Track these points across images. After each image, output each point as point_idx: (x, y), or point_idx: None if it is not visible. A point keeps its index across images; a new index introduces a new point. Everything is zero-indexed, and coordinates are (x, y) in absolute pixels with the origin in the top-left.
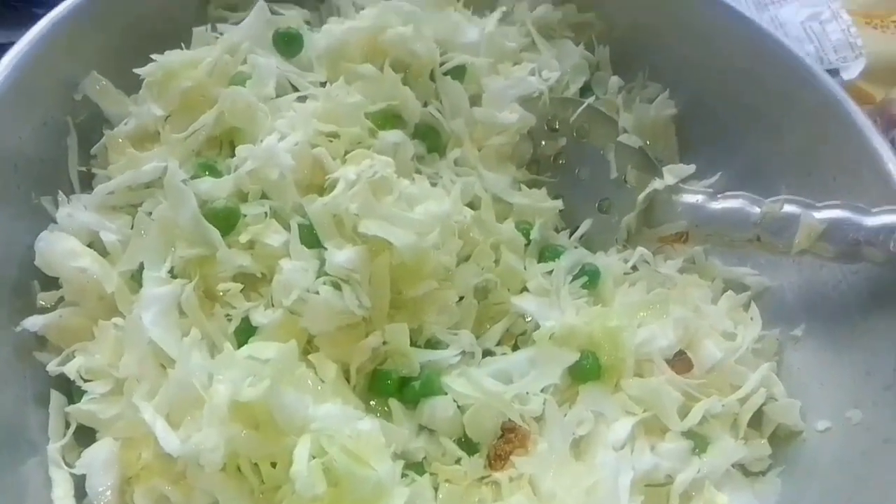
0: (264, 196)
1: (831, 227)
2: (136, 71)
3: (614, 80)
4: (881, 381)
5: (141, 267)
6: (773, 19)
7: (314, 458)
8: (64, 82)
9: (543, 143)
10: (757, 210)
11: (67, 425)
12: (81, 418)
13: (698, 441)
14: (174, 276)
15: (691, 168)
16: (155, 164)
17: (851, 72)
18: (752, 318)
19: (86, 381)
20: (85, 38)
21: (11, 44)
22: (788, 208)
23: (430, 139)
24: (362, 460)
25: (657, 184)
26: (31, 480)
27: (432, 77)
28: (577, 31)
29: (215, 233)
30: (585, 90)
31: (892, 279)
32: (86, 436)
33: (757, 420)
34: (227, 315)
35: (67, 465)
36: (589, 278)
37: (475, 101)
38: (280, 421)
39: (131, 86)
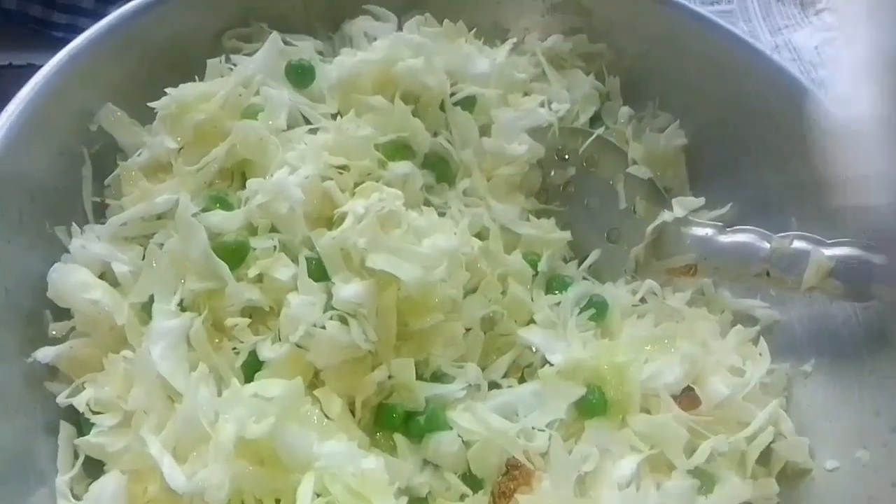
0: (273, 229)
1: (840, 265)
2: (151, 105)
3: (624, 111)
4: (889, 422)
5: (151, 299)
6: (787, 43)
7: (318, 496)
8: (80, 113)
9: (553, 172)
10: (766, 245)
11: (76, 457)
12: (90, 450)
13: (705, 479)
14: (184, 309)
15: (700, 201)
16: (167, 197)
17: None
18: (760, 354)
19: (95, 413)
20: (101, 70)
21: (31, 66)
22: (798, 244)
23: (440, 169)
24: (365, 499)
25: (666, 216)
26: None
27: (442, 108)
28: (588, 61)
29: (224, 267)
30: (595, 120)
31: None
32: (94, 467)
33: (765, 457)
34: (235, 348)
35: (75, 497)
36: (597, 310)
37: (485, 131)
38: (284, 458)
39: (146, 116)
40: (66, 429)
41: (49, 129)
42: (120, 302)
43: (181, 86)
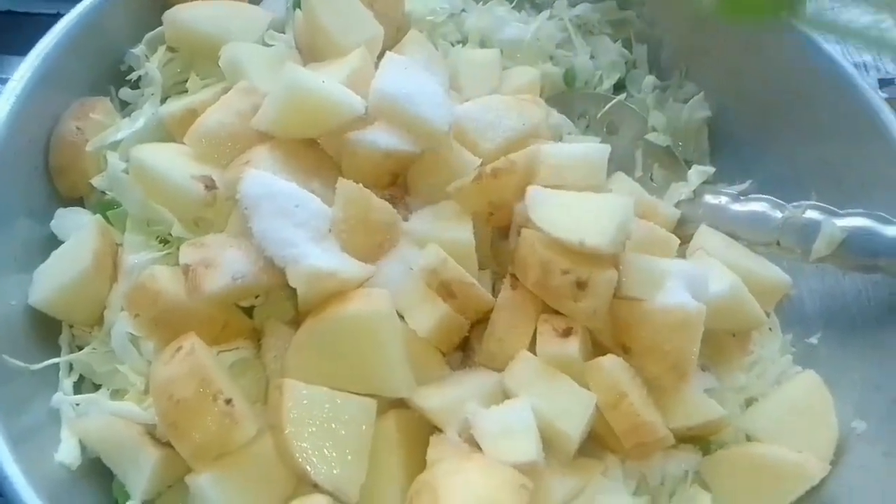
0: None
1: (851, 236)
2: None
3: (649, 79)
4: (890, 395)
5: None
6: None
7: None
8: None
9: None
10: (779, 214)
11: None
12: None
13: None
14: None
15: (710, 169)
16: None
17: None
18: (770, 329)
19: None
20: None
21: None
22: (810, 214)
23: None
24: None
25: (683, 189)
26: None
27: None
28: (616, 28)
29: None
30: (620, 88)
31: None
32: None
33: None
34: None
35: None
36: None
37: None
38: None
39: None
40: None
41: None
42: None
43: None
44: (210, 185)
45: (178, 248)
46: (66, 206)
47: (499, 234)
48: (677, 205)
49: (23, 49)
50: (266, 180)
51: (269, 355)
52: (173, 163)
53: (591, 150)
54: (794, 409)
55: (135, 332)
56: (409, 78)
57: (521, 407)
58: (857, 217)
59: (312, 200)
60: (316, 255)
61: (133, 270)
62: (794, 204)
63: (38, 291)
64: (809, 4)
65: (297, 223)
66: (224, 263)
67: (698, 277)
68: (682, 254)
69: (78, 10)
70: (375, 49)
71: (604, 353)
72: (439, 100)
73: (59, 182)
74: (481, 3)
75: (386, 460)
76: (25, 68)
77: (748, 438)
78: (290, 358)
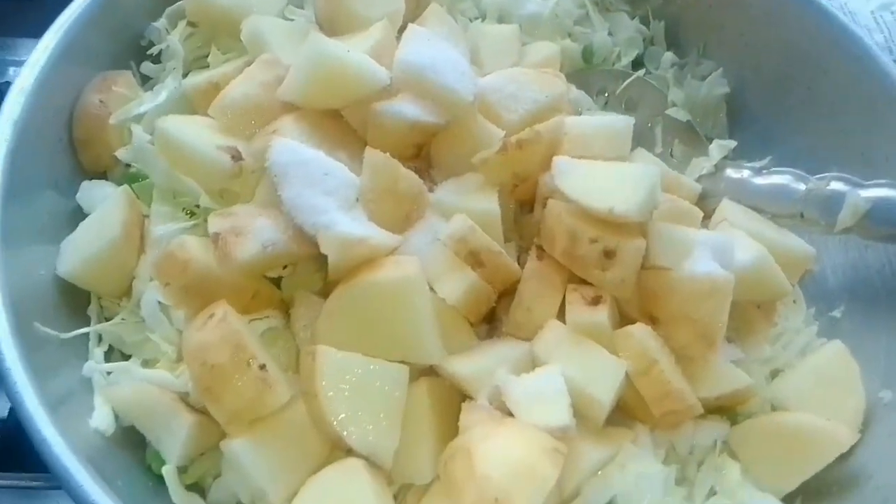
0: None
1: (876, 207)
2: None
3: (667, 56)
4: None
5: None
6: (843, 7)
7: None
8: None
9: None
10: (802, 186)
11: None
12: None
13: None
14: None
15: (732, 143)
16: None
17: None
18: (794, 301)
19: None
20: None
21: None
22: (835, 185)
23: None
24: None
25: (704, 163)
26: None
27: None
28: (634, 5)
29: None
30: (638, 65)
31: None
32: None
33: None
34: None
35: None
36: None
37: None
38: None
39: None
40: None
41: None
42: None
43: None
44: (236, 156)
45: (205, 220)
46: (90, 179)
47: (522, 207)
48: (699, 179)
49: (37, 32)
50: (294, 148)
51: (299, 325)
52: (199, 134)
53: (615, 120)
54: (820, 379)
55: (165, 300)
56: (433, 49)
57: (552, 373)
58: (881, 187)
59: (340, 169)
60: (346, 223)
61: (161, 241)
62: (818, 176)
63: (66, 262)
64: None
65: (326, 191)
66: (254, 231)
67: (725, 246)
68: (704, 228)
69: None
70: (397, 22)
71: (631, 324)
72: (463, 69)
73: (84, 155)
74: None
75: (418, 426)
76: (47, 42)
77: (774, 409)
78: (321, 325)
